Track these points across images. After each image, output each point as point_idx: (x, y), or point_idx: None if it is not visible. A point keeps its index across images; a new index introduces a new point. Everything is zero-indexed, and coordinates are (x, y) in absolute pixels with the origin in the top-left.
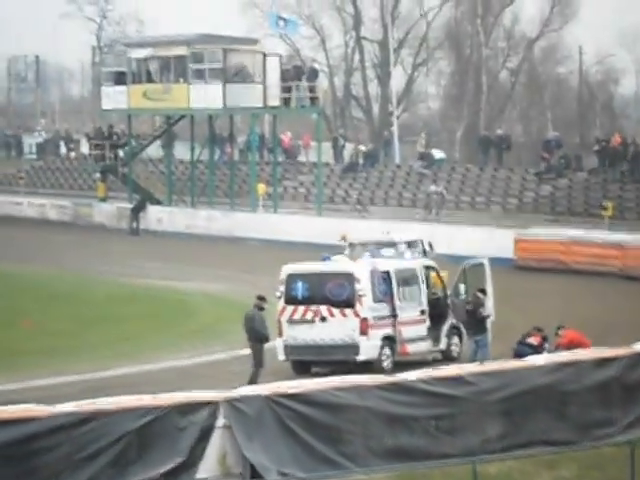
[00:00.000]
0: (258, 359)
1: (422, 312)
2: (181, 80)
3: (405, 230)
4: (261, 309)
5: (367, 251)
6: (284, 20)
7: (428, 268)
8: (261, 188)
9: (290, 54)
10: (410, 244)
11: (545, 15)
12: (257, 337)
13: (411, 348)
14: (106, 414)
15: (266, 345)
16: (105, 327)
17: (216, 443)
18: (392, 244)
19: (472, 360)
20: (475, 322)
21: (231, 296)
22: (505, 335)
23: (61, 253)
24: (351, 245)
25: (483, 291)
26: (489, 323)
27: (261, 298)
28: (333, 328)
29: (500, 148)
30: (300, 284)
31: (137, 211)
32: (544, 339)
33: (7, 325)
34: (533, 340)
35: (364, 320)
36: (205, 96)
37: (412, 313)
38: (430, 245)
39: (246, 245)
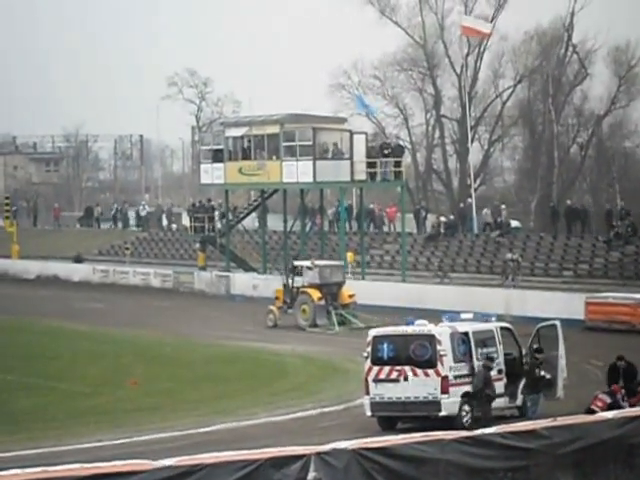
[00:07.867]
0: (479, 412)
1: (499, 371)
2: (274, 157)
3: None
4: (487, 368)
5: None
6: (367, 105)
7: (504, 330)
8: (350, 256)
9: (375, 132)
10: None
11: (612, 93)
12: (476, 392)
13: None
14: (204, 468)
15: (356, 402)
16: (204, 386)
17: None
18: None
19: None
20: (531, 381)
21: (321, 357)
22: (578, 392)
23: (163, 318)
24: None
25: (539, 350)
26: (560, 381)
27: (490, 359)
28: (416, 386)
29: (570, 218)
30: (385, 345)
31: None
32: (612, 398)
33: (114, 385)
34: (596, 407)
35: (445, 379)
36: (296, 171)
37: (491, 372)
38: None
39: None
